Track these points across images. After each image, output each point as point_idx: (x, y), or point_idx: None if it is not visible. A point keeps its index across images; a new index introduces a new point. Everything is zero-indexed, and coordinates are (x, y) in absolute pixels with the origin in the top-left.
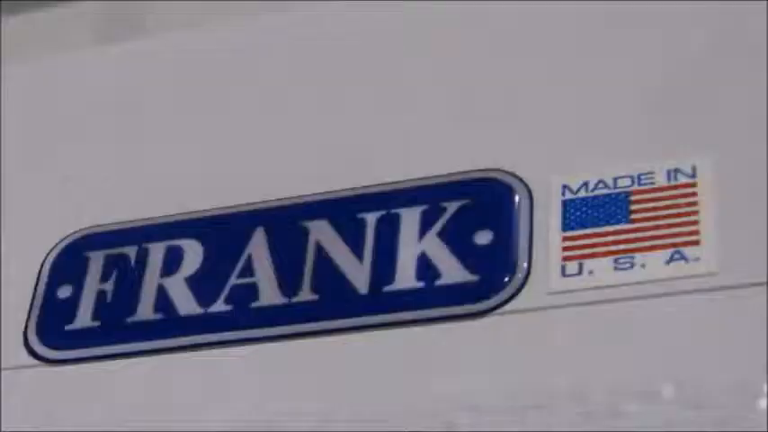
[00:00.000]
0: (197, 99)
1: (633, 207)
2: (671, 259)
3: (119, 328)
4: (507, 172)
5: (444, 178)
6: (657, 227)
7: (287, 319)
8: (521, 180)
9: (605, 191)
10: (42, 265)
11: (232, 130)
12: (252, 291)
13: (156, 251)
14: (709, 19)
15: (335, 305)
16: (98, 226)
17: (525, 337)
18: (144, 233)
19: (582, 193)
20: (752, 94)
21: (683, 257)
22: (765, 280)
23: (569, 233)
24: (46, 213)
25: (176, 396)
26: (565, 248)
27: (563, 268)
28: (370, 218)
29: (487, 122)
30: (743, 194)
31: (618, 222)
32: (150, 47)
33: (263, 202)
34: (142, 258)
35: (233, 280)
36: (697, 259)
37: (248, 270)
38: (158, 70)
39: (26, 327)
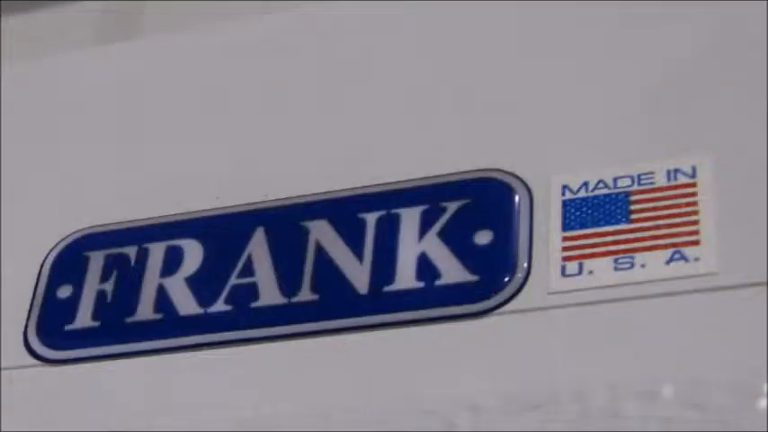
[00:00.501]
0: (197, 99)
1: (633, 207)
2: (671, 259)
3: (119, 328)
4: (507, 172)
5: (444, 178)
6: (657, 227)
7: (287, 319)
8: (521, 180)
9: (605, 191)
10: (42, 265)
11: (232, 130)
12: (252, 291)
13: (156, 251)
14: (709, 19)
15: (335, 305)
16: (98, 226)
17: (525, 337)
18: (144, 233)
19: (582, 193)
20: (752, 94)
21: (683, 257)
22: (765, 280)
23: (569, 233)
24: (46, 213)
25: (176, 396)
26: (565, 248)
27: (563, 268)
28: (370, 218)
29: (487, 122)
30: (743, 194)
31: (618, 222)
32: (150, 47)
33: (263, 202)
34: (142, 258)
35: (233, 280)
36: (697, 259)
37: (248, 270)
38: (158, 70)
39: (26, 327)
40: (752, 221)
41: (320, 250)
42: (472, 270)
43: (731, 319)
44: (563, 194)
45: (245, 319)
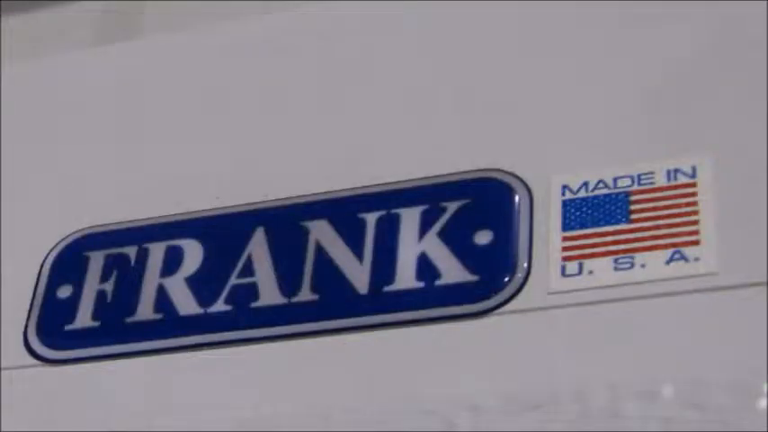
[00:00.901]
0: (197, 99)
1: (633, 207)
2: (671, 259)
3: (119, 328)
4: (507, 172)
5: (444, 178)
6: (657, 227)
7: (287, 319)
8: (521, 180)
9: (605, 191)
10: (42, 265)
11: (232, 130)
12: (252, 291)
13: (156, 251)
14: (709, 19)
15: (335, 305)
16: (98, 226)
17: (525, 337)
18: (144, 233)
19: (582, 193)
20: (752, 94)
21: (683, 257)
22: (765, 280)
23: (569, 233)
24: (46, 213)
25: (176, 396)
26: (565, 248)
27: (563, 268)
28: (370, 218)
29: (487, 122)
30: (743, 194)
31: (618, 222)
32: (150, 47)
33: (263, 202)
34: (142, 258)
35: (233, 280)
36: (697, 259)
37: (248, 270)
38: (158, 70)
39: (26, 327)
40: (752, 221)
41: (320, 250)
42: (472, 270)
43: (731, 319)
44: (563, 194)
45: (245, 319)
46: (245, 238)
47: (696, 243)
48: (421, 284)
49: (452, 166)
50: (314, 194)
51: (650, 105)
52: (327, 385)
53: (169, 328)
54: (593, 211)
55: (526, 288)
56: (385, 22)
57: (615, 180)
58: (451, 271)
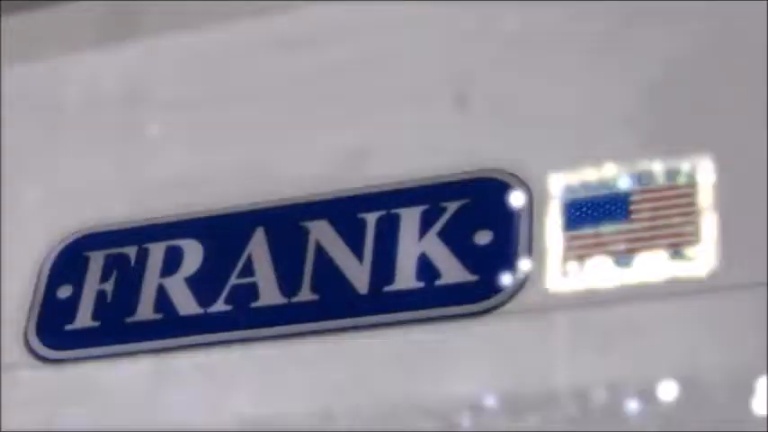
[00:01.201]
0: (197, 99)
1: (633, 207)
2: (671, 259)
3: (119, 328)
4: (507, 172)
5: (444, 178)
6: (657, 227)
7: (287, 319)
8: (521, 180)
9: (605, 191)
10: (42, 265)
11: (233, 131)
12: (252, 291)
13: (156, 251)
14: (709, 19)
15: (335, 305)
16: (98, 226)
17: (525, 337)
18: (144, 233)
19: (582, 193)
20: (752, 94)
21: (683, 257)
22: (765, 280)
23: (569, 233)
24: (46, 213)
25: (176, 396)
26: (565, 248)
27: (563, 268)
28: (370, 218)
29: (487, 122)
30: (743, 195)
31: (618, 222)
32: (150, 47)
33: (263, 202)
34: (142, 258)
35: (233, 280)
36: (697, 259)
37: (248, 270)
38: (158, 70)
39: (26, 327)
40: (752, 221)
41: (320, 250)
42: (472, 270)
43: (731, 319)
44: (563, 194)
45: (245, 319)
46: (245, 238)
47: (696, 243)
48: (421, 284)
49: (452, 166)
50: (314, 194)
51: (650, 105)
52: (327, 385)
53: (169, 328)
54: (593, 211)
55: (526, 288)
56: (385, 22)
57: (615, 180)
58: (451, 271)
